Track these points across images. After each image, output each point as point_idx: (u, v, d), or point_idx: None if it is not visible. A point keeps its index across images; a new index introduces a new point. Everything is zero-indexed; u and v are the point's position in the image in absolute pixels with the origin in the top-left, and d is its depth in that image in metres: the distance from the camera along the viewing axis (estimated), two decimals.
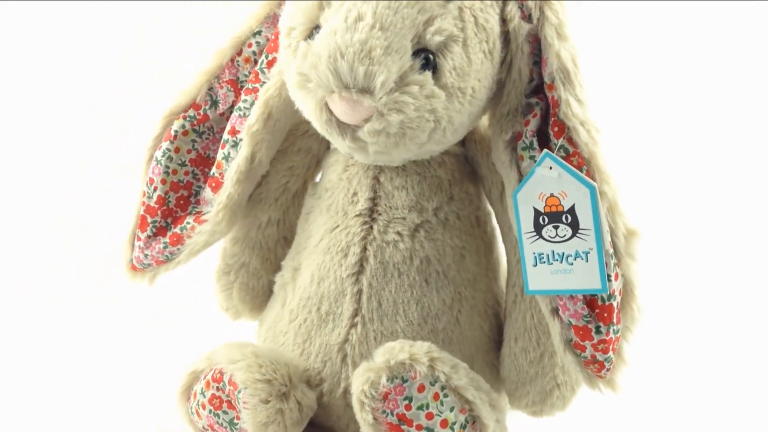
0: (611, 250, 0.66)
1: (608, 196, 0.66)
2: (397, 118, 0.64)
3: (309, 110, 0.67)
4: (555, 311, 0.69)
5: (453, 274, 0.73)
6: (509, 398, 0.76)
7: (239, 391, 0.70)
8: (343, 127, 0.66)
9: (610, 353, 0.69)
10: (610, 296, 0.67)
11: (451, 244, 0.74)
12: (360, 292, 0.73)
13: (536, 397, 0.74)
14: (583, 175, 0.65)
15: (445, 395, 0.67)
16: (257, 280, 0.83)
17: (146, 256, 0.79)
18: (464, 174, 0.76)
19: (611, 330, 0.67)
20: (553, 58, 0.67)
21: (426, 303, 0.73)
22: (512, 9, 0.68)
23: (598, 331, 0.67)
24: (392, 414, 0.66)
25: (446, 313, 0.73)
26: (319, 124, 0.67)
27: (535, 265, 0.68)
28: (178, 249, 0.78)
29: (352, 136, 0.66)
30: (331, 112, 0.65)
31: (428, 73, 0.65)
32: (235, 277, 0.83)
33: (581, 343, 0.68)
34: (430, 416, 0.66)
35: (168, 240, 0.78)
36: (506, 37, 0.69)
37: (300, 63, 0.66)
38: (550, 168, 0.66)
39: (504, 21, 0.68)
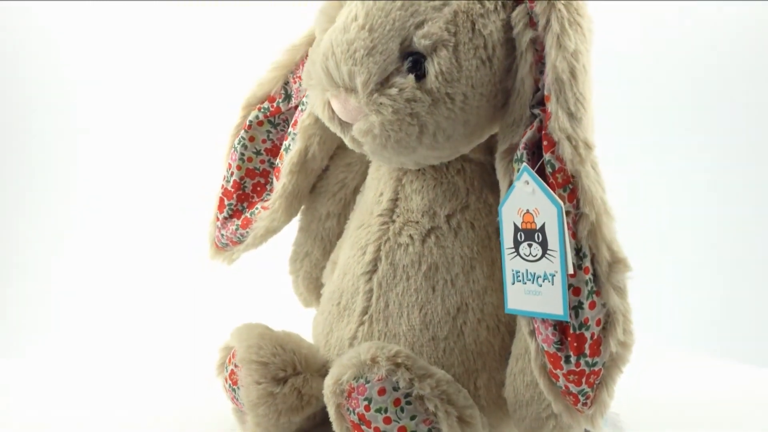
0: (587, 276, 0.62)
1: (589, 218, 0.61)
2: (377, 120, 0.65)
3: (316, 107, 0.70)
4: (532, 333, 0.66)
5: (461, 284, 0.72)
6: (512, 419, 0.73)
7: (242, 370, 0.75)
8: (344, 126, 0.68)
9: (584, 386, 0.64)
10: (582, 325, 0.62)
11: (460, 253, 0.72)
12: (371, 291, 0.74)
13: (533, 422, 0.70)
14: (552, 193, 0.62)
15: (408, 403, 0.66)
16: (319, 271, 0.86)
17: (223, 235, 0.86)
18: (486, 183, 0.74)
19: (582, 361, 0.63)
20: (549, 69, 0.63)
21: (429, 310, 0.72)
22: (518, 15, 0.65)
23: (567, 360, 0.63)
24: (354, 412, 0.67)
25: (449, 323, 0.72)
26: (326, 122, 0.70)
27: (513, 284, 0.65)
28: (247, 232, 0.84)
29: (350, 135, 0.68)
30: (333, 110, 0.68)
31: (411, 77, 0.64)
32: (300, 265, 0.87)
33: (554, 371, 0.64)
34: (387, 420, 0.66)
35: (240, 222, 0.84)
36: (514, 44, 0.66)
37: (308, 61, 0.70)
38: (527, 183, 0.63)
39: (512, 27, 0.66)
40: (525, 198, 0.63)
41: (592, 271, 0.62)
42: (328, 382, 0.68)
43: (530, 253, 0.63)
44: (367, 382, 0.66)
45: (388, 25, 0.65)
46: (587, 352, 0.63)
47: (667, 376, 1.03)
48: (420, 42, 0.64)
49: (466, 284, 0.72)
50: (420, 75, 0.65)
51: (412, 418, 0.66)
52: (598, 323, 0.62)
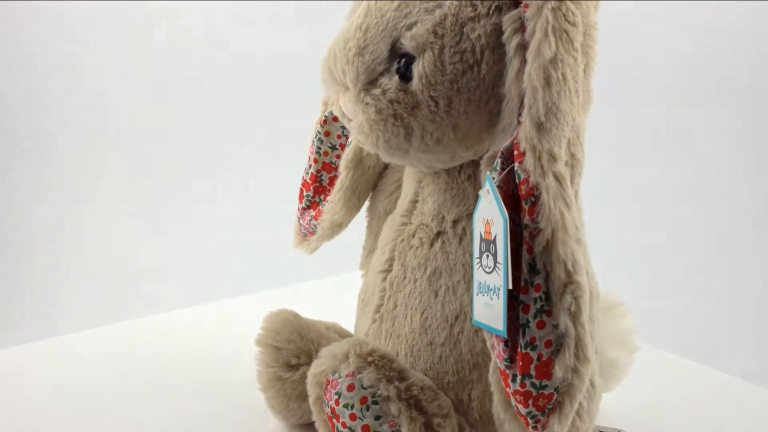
0: (536, 294, 0.59)
1: (545, 233, 0.58)
2: (364, 118, 0.66)
3: (333, 103, 0.72)
4: (492, 348, 0.63)
5: (461, 291, 0.70)
6: None
7: None
8: (350, 123, 0.70)
9: (532, 408, 0.61)
10: (528, 344, 0.59)
11: (462, 260, 0.71)
12: (384, 290, 0.75)
13: None
14: (501, 203, 0.59)
15: (375, 402, 0.67)
16: None
17: (301, 225, 0.90)
18: None
19: (528, 382, 0.60)
20: (525, 76, 0.61)
21: (429, 314, 0.71)
22: (509, 19, 0.63)
23: (513, 379, 0.60)
24: (327, 405, 0.69)
25: (446, 330, 0.71)
26: (339, 117, 0.72)
27: (477, 295, 0.63)
28: (318, 223, 0.87)
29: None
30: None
31: (395, 78, 0.65)
32: (366, 260, 0.89)
33: (506, 389, 0.62)
34: (353, 417, 0.67)
35: (314, 213, 0.87)
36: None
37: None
38: (488, 192, 0.61)
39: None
40: (486, 207, 0.61)
41: (545, 289, 0.59)
42: (309, 373, 0.70)
43: (487, 264, 0.61)
44: (340, 377, 0.68)
45: (382, 25, 0.66)
46: (533, 373, 0.59)
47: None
48: (407, 43, 0.64)
49: (466, 292, 0.71)
50: (408, 77, 0.65)
51: (377, 418, 0.66)
52: (547, 345, 0.59)
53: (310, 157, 0.88)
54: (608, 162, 1.51)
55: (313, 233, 0.89)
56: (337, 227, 0.86)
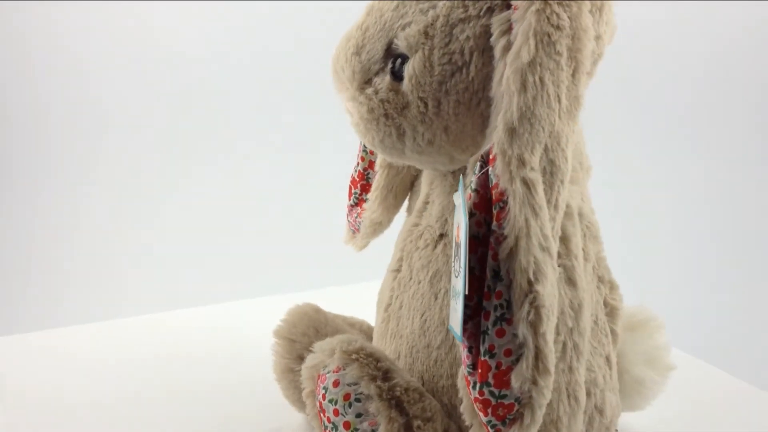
0: (497, 302, 0.57)
1: (508, 240, 0.57)
2: (357, 117, 0.67)
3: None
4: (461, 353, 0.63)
5: None
6: None
7: None
8: (351, 120, 0.71)
9: (491, 417, 0.59)
10: (487, 352, 0.58)
11: None
12: (393, 289, 0.75)
13: None
14: (466, 207, 0.59)
15: (357, 400, 0.67)
16: None
17: (349, 222, 0.92)
18: None
19: (486, 390, 0.59)
20: (503, 80, 0.60)
21: (428, 317, 0.71)
22: (498, 21, 0.62)
23: (474, 386, 0.59)
24: (317, 399, 0.70)
25: (442, 333, 0.70)
26: (347, 114, 0.73)
27: (451, 299, 0.63)
28: (362, 221, 0.89)
29: None
30: None
31: (387, 78, 0.66)
32: None
33: (469, 395, 0.61)
34: (336, 413, 0.68)
35: (360, 210, 0.89)
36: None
37: None
38: (458, 196, 0.61)
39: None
40: (458, 211, 0.61)
41: (506, 297, 0.57)
42: (303, 366, 0.72)
43: (456, 268, 0.61)
44: (328, 372, 0.69)
45: (380, 25, 0.66)
46: (491, 381, 0.58)
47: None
48: (400, 44, 0.65)
49: None
50: (400, 77, 0.65)
51: (358, 415, 0.67)
52: (507, 353, 0.58)
53: (358, 155, 0.89)
54: (626, 165, 1.49)
55: (359, 230, 0.90)
56: (378, 226, 0.86)
